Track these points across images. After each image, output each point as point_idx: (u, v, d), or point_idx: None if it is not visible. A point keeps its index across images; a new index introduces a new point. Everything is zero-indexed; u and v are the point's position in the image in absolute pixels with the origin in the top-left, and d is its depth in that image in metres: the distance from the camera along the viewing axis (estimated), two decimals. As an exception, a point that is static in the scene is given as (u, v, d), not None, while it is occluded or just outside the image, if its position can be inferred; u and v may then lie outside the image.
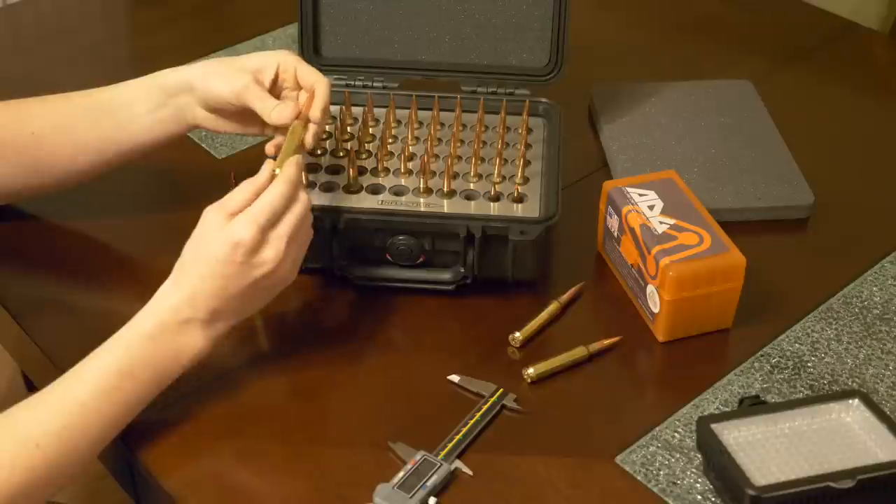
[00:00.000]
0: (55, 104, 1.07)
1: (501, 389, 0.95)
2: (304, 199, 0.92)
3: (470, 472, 0.89)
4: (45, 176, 1.07)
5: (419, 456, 0.89)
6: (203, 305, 0.89)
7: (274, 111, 1.00)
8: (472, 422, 0.92)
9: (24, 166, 1.05)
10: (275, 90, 1.04)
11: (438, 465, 0.88)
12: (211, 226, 0.90)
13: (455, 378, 0.97)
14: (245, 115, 1.04)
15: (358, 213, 1.02)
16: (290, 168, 0.93)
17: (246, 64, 1.04)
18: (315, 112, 1.00)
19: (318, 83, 1.02)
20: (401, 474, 0.87)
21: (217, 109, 1.04)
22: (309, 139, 1.00)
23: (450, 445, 0.90)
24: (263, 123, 1.04)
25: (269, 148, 1.02)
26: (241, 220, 0.88)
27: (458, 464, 0.89)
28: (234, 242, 0.88)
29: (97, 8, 1.58)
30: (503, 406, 0.94)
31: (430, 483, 0.86)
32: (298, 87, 1.04)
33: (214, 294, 0.89)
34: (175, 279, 0.90)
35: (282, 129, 1.01)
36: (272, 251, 0.89)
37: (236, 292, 0.89)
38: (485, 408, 0.94)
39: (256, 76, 1.02)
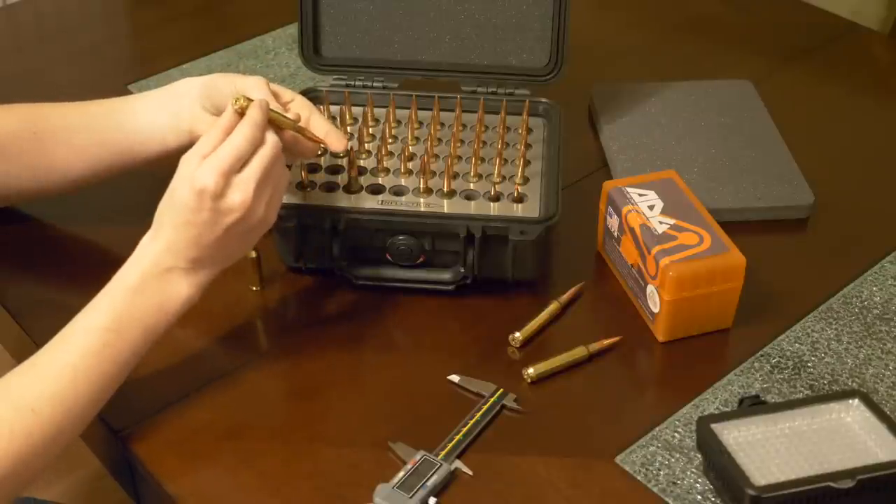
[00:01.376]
0: (65, 108, 1.07)
1: (501, 389, 0.95)
2: (271, 142, 0.91)
3: (470, 472, 0.89)
4: (42, 179, 1.07)
5: (419, 456, 0.89)
6: (182, 254, 0.89)
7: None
8: (471, 422, 0.92)
9: (23, 167, 1.05)
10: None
11: (438, 465, 0.88)
12: (181, 174, 0.89)
13: (455, 378, 0.97)
14: None
15: (358, 213, 1.02)
16: (254, 111, 0.91)
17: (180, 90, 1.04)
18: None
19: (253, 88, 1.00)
20: (401, 474, 0.87)
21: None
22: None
23: (450, 445, 0.90)
24: None
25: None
26: (204, 167, 0.88)
27: (458, 464, 0.89)
28: (199, 189, 0.87)
29: (97, 8, 1.58)
30: (503, 406, 0.94)
31: (430, 483, 0.86)
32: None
33: (191, 242, 0.88)
34: (153, 230, 0.90)
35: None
36: (239, 195, 0.88)
37: (212, 240, 0.89)
38: (485, 408, 0.94)
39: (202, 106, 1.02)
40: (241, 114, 0.91)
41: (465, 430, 0.92)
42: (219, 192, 0.87)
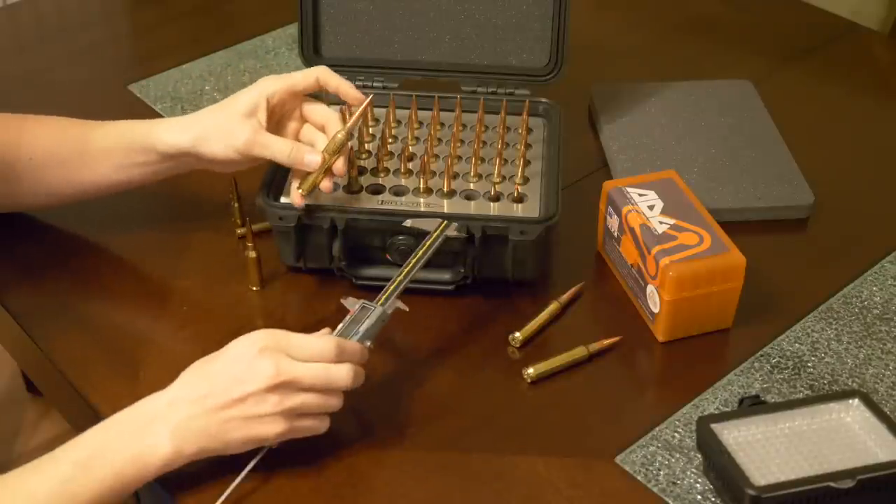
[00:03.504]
0: (54, 133, 1.05)
1: (444, 223, 0.96)
2: (342, 375, 0.86)
3: (405, 308, 0.92)
4: (41, 197, 1.07)
5: (358, 305, 0.90)
6: (180, 410, 0.83)
7: (293, 153, 0.98)
8: (408, 267, 0.94)
9: (18, 188, 1.05)
10: (272, 119, 1.01)
11: (373, 308, 0.89)
12: (240, 343, 0.86)
13: (408, 223, 0.99)
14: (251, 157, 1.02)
15: (358, 213, 1.02)
16: (363, 352, 0.89)
17: (238, 109, 0.99)
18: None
19: (329, 121, 1.01)
20: (340, 326, 0.89)
21: (221, 165, 1.02)
22: (340, 166, 0.99)
23: (390, 288, 0.92)
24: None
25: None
26: (278, 333, 0.85)
27: (397, 303, 0.91)
28: (252, 340, 0.84)
29: (97, 8, 1.58)
30: (446, 237, 0.96)
31: (362, 328, 0.89)
32: (299, 102, 1.03)
33: (195, 401, 0.83)
34: (172, 385, 0.85)
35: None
36: (272, 368, 0.83)
37: (216, 405, 0.83)
38: (420, 252, 0.95)
39: (253, 121, 0.99)
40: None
41: (405, 271, 0.93)
42: (266, 349, 0.83)
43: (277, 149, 0.99)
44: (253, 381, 0.83)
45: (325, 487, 0.88)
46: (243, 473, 0.86)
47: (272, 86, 1.01)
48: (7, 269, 1.09)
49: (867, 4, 1.80)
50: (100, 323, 1.03)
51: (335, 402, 0.87)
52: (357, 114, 1.00)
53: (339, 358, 0.86)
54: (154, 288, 1.08)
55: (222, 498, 0.86)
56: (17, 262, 1.10)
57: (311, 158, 0.99)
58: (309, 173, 1.00)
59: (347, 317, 0.90)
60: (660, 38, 1.49)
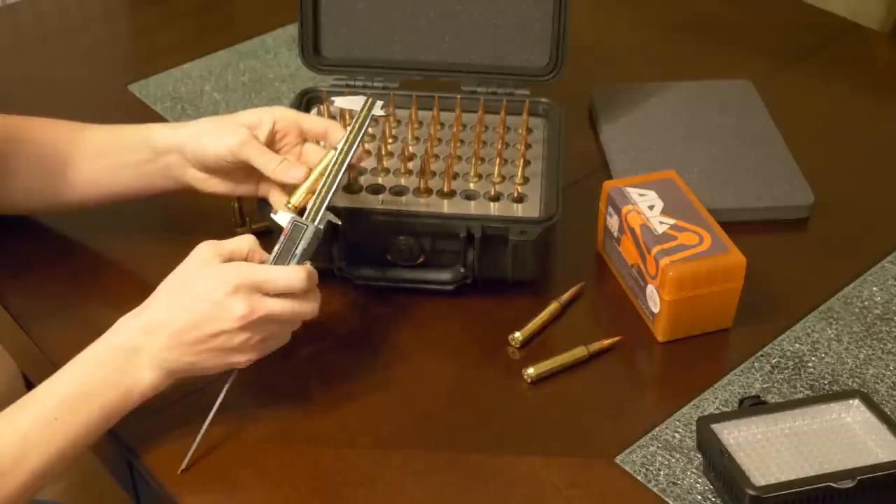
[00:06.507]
0: (47, 132, 1.05)
1: (371, 100, 0.97)
2: (310, 308, 0.90)
3: (338, 221, 0.93)
4: (32, 200, 1.07)
5: (289, 222, 0.90)
6: (156, 340, 0.86)
7: (279, 167, 0.97)
8: (335, 166, 0.93)
9: (11, 188, 1.05)
10: (271, 147, 1.00)
11: (305, 227, 0.89)
12: (198, 259, 0.88)
13: (336, 102, 1.01)
14: (238, 174, 1.01)
15: (358, 213, 1.02)
16: (314, 273, 0.90)
17: (240, 119, 1.00)
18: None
19: (330, 127, 1.00)
20: (276, 248, 0.89)
21: (210, 169, 1.01)
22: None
23: (319, 198, 0.92)
24: (257, 182, 1.02)
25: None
26: (240, 266, 0.87)
27: (328, 217, 0.92)
28: (222, 279, 0.85)
29: (97, 8, 1.58)
30: (372, 118, 0.96)
31: (298, 251, 0.89)
32: (300, 140, 1.01)
33: (171, 331, 0.86)
34: (141, 306, 0.88)
35: (284, 187, 0.99)
36: (245, 308, 0.85)
37: (191, 339, 0.86)
38: (348, 137, 0.95)
39: (252, 132, 0.99)
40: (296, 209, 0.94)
41: (333, 171, 0.93)
42: (237, 289, 0.85)
43: (264, 158, 0.98)
44: (226, 319, 0.85)
45: (325, 487, 0.88)
46: (212, 411, 0.90)
47: (281, 111, 1.01)
48: (7, 269, 1.09)
49: (867, 4, 1.80)
50: (100, 323, 1.02)
51: (298, 326, 0.92)
52: (345, 138, 0.96)
53: (309, 285, 0.89)
54: (154, 288, 1.08)
55: (197, 439, 0.89)
56: (17, 263, 1.10)
57: (296, 173, 0.97)
58: (295, 190, 0.97)
59: (282, 237, 0.90)
60: (660, 38, 1.49)
